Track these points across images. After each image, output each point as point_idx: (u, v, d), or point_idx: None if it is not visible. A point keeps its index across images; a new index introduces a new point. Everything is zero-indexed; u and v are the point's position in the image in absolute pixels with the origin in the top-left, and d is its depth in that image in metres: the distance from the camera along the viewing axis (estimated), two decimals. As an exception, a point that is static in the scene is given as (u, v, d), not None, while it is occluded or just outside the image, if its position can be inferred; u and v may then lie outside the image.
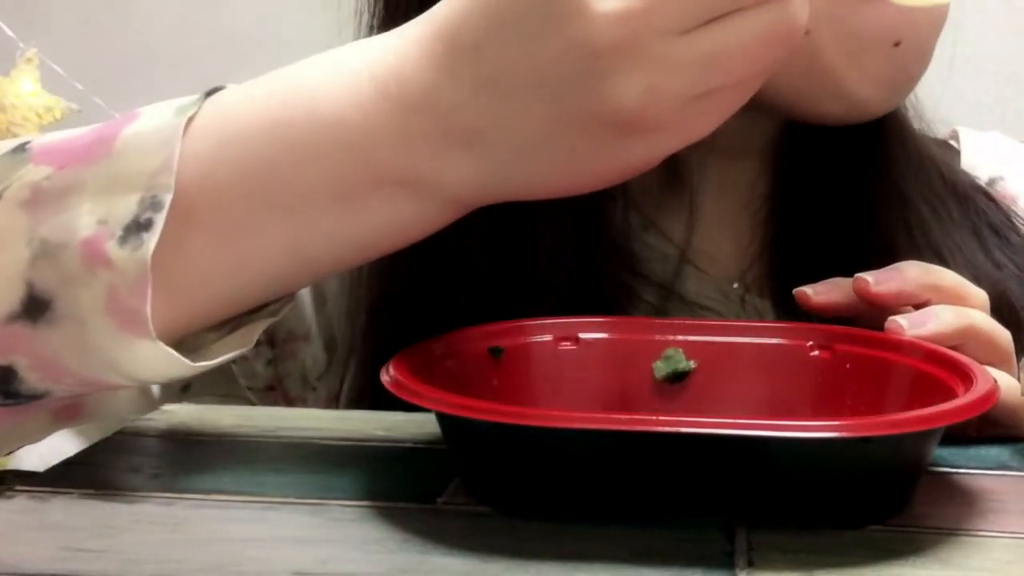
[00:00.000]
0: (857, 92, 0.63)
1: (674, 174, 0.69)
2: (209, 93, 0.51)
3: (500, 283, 0.64)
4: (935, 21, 0.63)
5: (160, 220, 0.47)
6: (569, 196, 0.51)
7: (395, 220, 0.50)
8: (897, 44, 0.62)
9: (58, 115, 1.56)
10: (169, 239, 0.47)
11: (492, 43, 0.46)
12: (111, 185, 0.48)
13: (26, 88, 1.55)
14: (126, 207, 0.47)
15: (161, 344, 0.47)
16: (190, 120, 0.49)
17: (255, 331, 0.51)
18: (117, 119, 0.50)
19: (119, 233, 0.47)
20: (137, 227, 0.47)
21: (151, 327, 0.47)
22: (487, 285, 0.64)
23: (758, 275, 0.70)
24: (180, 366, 0.48)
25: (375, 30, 0.67)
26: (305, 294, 0.70)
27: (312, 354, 0.71)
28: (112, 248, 0.47)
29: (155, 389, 0.65)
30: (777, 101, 0.63)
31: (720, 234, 0.70)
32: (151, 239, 0.46)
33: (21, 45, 1.56)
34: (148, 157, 0.48)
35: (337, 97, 0.48)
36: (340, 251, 0.50)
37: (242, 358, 0.67)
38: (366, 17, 0.68)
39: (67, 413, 0.53)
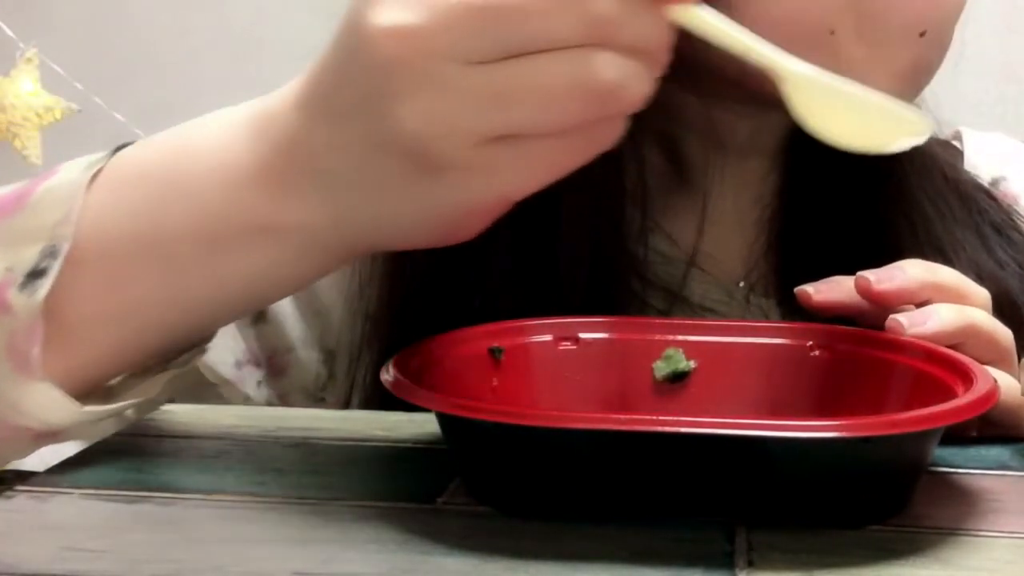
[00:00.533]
0: (879, 86, 0.63)
1: (682, 175, 0.69)
2: (120, 148, 0.53)
3: (518, 287, 0.65)
4: (957, 8, 0.63)
5: (55, 267, 0.49)
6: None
7: (266, 267, 0.50)
8: (922, 34, 0.61)
9: (58, 115, 1.56)
10: (64, 286, 0.49)
11: (328, 72, 0.47)
12: (21, 236, 0.50)
13: (26, 88, 1.56)
14: (30, 256, 0.49)
15: (50, 386, 0.49)
16: (96, 174, 0.51)
17: (160, 381, 0.53)
18: (40, 175, 0.52)
19: (20, 280, 0.49)
20: (35, 274, 0.49)
21: (39, 369, 0.49)
22: (505, 289, 0.64)
23: (763, 274, 0.70)
24: (68, 410, 0.50)
25: None
26: (287, 308, 0.70)
27: (307, 366, 0.71)
28: (13, 294, 0.49)
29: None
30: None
31: (726, 234, 0.70)
32: (44, 285, 0.49)
33: (21, 45, 1.56)
34: (54, 209, 0.50)
35: (215, 141, 0.50)
36: (216, 299, 0.51)
37: (224, 383, 0.68)
38: None
39: (46, 433, 0.53)
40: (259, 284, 0.51)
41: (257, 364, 0.70)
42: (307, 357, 0.71)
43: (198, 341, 0.54)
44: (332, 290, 0.70)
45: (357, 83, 0.45)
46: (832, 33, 0.60)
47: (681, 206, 0.69)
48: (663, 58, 0.44)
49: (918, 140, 0.47)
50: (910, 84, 0.64)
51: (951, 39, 0.64)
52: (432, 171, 0.45)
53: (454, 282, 0.65)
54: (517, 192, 0.46)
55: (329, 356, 0.71)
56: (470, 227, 0.48)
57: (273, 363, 0.71)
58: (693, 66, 0.65)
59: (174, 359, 0.54)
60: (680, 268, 0.68)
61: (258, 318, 0.69)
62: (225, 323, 0.54)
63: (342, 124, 0.46)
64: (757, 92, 0.64)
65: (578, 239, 0.65)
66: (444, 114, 0.43)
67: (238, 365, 0.69)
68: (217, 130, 0.50)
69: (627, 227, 0.67)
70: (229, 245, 0.49)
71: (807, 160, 0.70)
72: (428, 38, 0.42)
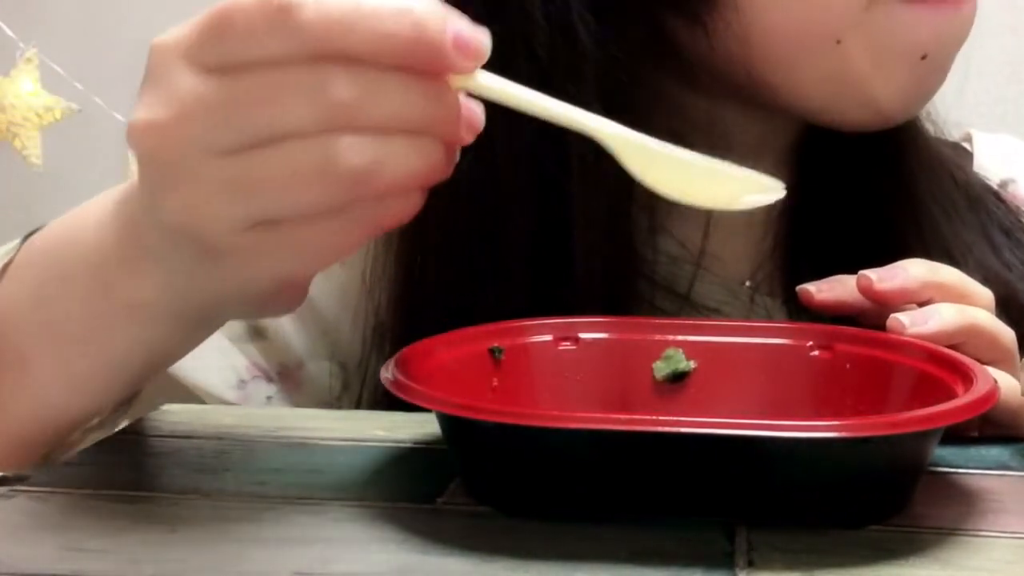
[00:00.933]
0: (881, 101, 0.63)
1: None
2: (30, 234, 0.56)
3: (534, 289, 0.65)
4: (959, 37, 0.64)
5: None
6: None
7: (145, 339, 0.52)
8: (923, 57, 0.62)
9: (58, 115, 1.56)
10: None
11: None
12: None
13: (26, 88, 1.56)
14: None
15: None
16: (8, 264, 0.55)
17: (87, 442, 0.55)
18: None
19: None
20: None
21: None
22: (517, 292, 0.64)
23: (768, 274, 0.70)
24: None
25: None
26: (287, 324, 0.70)
27: (320, 379, 0.71)
28: None
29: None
30: (802, 104, 0.64)
31: (732, 234, 0.70)
32: None
33: (21, 45, 1.56)
34: None
35: (90, 225, 0.52)
36: (108, 374, 0.52)
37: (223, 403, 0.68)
38: None
39: None
40: (143, 356, 0.52)
41: (268, 379, 0.70)
42: (318, 370, 0.71)
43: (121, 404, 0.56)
44: (336, 304, 0.70)
45: (141, 176, 0.47)
46: (839, 43, 0.61)
47: (687, 207, 0.69)
48: (451, 127, 0.44)
49: (768, 198, 0.48)
50: (911, 102, 0.65)
51: (951, 66, 0.65)
52: (213, 255, 0.46)
53: (463, 287, 0.65)
54: (297, 273, 0.48)
55: (341, 368, 0.71)
56: (283, 302, 0.50)
57: (284, 377, 0.71)
58: (701, 68, 0.65)
59: (95, 425, 0.55)
60: (687, 270, 0.68)
61: (257, 335, 0.70)
62: (122, 396, 0.55)
63: (147, 211, 0.48)
64: (766, 95, 0.65)
65: (591, 241, 0.65)
66: (201, 203, 0.44)
67: (241, 385, 0.69)
68: (95, 212, 0.52)
69: (635, 230, 0.67)
70: (107, 323, 0.51)
71: (816, 160, 0.70)
72: (177, 131, 0.44)
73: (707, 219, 0.69)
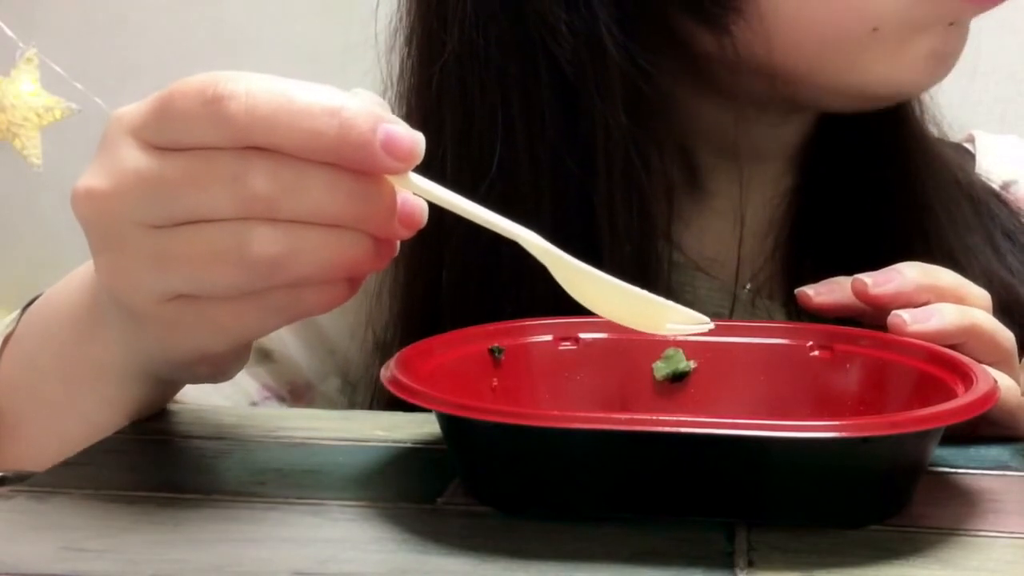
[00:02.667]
0: (904, 72, 0.63)
1: (694, 181, 0.69)
2: (29, 304, 0.60)
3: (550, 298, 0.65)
4: (982, 6, 0.64)
5: None
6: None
7: (114, 397, 0.54)
8: (951, 24, 0.62)
9: (58, 115, 1.56)
10: None
11: None
12: None
13: (26, 88, 1.55)
14: None
15: None
16: (8, 336, 0.59)
17: None
18: None
19: None
20: None
21: None
22: (540, 298, 0.64)
23: (769, 277, 0.70)
24: None
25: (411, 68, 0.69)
26: (292, 346, 0.70)
27: (329, 397, 0.71)
28: None
29: None
30: (825, 95, 0.64)
31: (734, 236, 0.70)
32: None
33: (21, 45, 1.56)
34: None
35: (69, 294, 0.56)
36: (85, 431, 0.54)
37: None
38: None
39: None
40: (121, 411, 0.55)
41: (280, 398, 0.70)
42: (327, 387, 0.72)
43: None
44: (341, 322, 0.70)
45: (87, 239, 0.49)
46: (875, 30, 0.61)
47: (688, 211, 0.69)
48: (381, 222, 0.45)
49: (693, 328, 0.50)
50: (934, 70, 0.64)
51: (968, 31, 0.65)
52: (139, 320, 0.48)
53: (483, 299, 0.64)
54: (211, 348, 0.49)
55: (348, 386, 0.71)
56: (204, 372, 0.53)
57: (295, 395, 0.71)
58: (721, 73, 0.65)
59: None
60: (688, 274, 0.68)
61: (265, 358, 0.70)
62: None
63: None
64: (785, 93, 0.65)
65: (615, 245, 0.65)
66: (126, 271, 0.47)
67: (253, 407, 0.69)
68: (74, 283, 0.56)
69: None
70: (81, 384, 0.54)
71: (821, 165, 0.70)
72: (113, 201, 0.46)
73: (707, 224, 0.69)
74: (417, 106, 0.67)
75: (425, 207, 0.47)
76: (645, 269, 0.65)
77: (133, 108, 0.46)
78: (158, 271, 0.46)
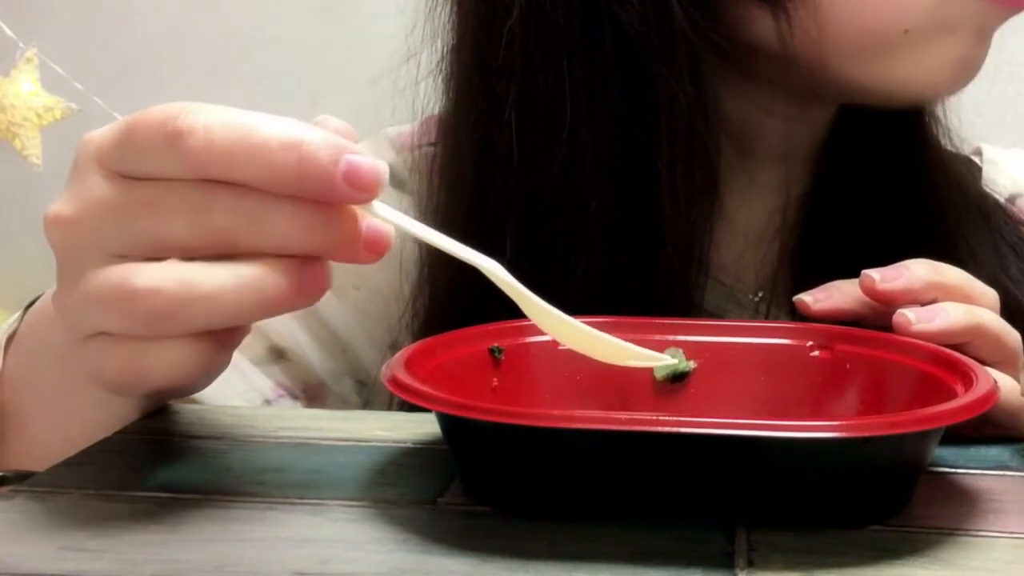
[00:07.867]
0: (931, 76, 0.64)
1: (707, 182, 0.69)
2: (30, 305, 0.60)
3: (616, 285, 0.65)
4: (1012, 13, 0.64)
5: None
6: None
7: (104, 404, 0.54)
8: (979, 30, 0.63)
9: (58, 115, 1.56)
10: None
11: None
12: None
13: (26, 88, 1.55)
14: None
15: None
16: (11, 336, 0.59)
17: None
18: None
19: None
20: None
21: None
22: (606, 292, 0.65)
23: (776, 284, 0.70)
24: None
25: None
26: (306, 346, 0.70)
27: (343, 396, 0.71)
28: None
29: None
30: (857, 90, 0.64)
31: (743, 242, 0.70)
32: None
33: (21, 45, 1.56)
34: None
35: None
36: (82, 433, 0.54)
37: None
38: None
39: None
40: (116, 413, 0.55)
41: (293, 396, 0.70)
42: (341, 387, 0.71)
43: None
44: (354, 324, 0.70)
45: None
46: (906, 32, 0.61)
47: (696, 216, 0.69)
48: (345, 251, 0.45)
49: (657, 362, 0.51)
50: (959, 75, 0.65)
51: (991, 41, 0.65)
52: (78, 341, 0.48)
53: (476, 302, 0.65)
54: (114, 388, 0.48)
55: (362, 387, 0.71)
56: (170, 395, 0.54)
57: (309, 394, 0.71)
58: (766, 60, 0.64)
59: None
60: (696, 281, 0.68)
61: (279, 357, 0.70)
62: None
63: None
64: (822, 85, 0.64)
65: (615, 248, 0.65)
66: (90, 303, 0.46)
67: (266, 405, 0.70)
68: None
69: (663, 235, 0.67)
70: (73, 385, 0.54)
71: (832, 172, 0.70)
72: (78, 227, 0.46)
73: (719, 228, 0.69)
74: (478, 68, 0.66)
75: (391, 231, 0.46)
76: (691, 247, 0.65)
77: (100, 134, 0.46)
78: (95, 304, 0.45)
